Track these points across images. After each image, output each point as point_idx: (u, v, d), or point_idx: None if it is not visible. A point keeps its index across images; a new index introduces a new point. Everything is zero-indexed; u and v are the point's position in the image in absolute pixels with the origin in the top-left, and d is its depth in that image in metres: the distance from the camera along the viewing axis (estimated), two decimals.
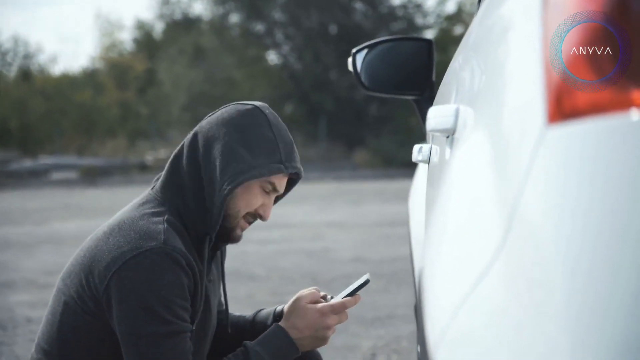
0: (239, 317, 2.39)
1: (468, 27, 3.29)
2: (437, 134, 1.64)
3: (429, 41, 3.22)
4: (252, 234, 7.68)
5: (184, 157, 2.08)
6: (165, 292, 1.96)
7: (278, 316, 2.29)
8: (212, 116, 2.11)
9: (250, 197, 2.06)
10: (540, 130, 0.90)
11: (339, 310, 2.08)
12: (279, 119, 2.11)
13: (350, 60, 3.34)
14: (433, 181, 1.80)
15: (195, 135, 2.09)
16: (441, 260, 1.13)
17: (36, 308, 5.72)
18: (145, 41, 36.95)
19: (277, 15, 31.65)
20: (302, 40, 31.24)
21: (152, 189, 2.15)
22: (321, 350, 2.33)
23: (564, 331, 0.80)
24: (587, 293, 0.80)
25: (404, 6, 31.56)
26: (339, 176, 23.48)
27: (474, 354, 0.91)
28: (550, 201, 0.86)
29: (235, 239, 2.14)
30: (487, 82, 1.25)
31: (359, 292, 2.10)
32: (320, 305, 2.10)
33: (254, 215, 2.11)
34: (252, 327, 2.33)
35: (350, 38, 28.20)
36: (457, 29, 29.80)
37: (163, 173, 2.12)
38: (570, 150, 0.86)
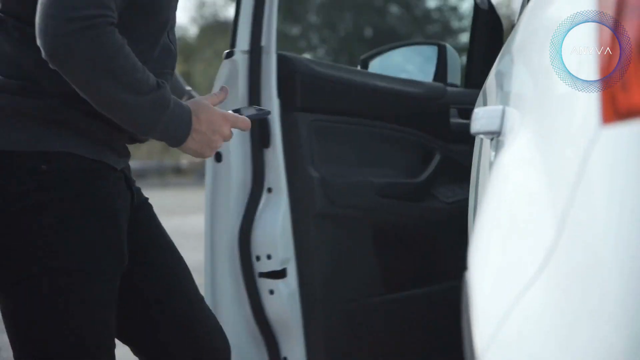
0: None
1: (504, 30, 3.28)
2: (482, 136, 1.63)
3: (441, 45, 3.19)
4: None
5: None
6: None
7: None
8: None
9: None
10: (594, 131, 0.88)
11: (237, 125, 1.85)
12: None
13: (359, 68, 3.34)
14: (477, 184, 1.79)
15: None
16: (490, 264, 1.12)
17: None
18: (181, 44, 37.18)
19: (312, 18, 31.72)
20: (337, 43, 31.27)
21: None
22: None
23: (619, 334, 0.79)
24: None
25: (439, 9, 31.50)
26: None
27: (525, 358, 0.90)
28: (605, 203, 0.85)
29: None
30: (535, 84, 1.23)
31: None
32: (226, 112, 1.85)
33: None
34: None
35: (385, 41, 28.13)
36: None
37: None
38: (626, 151, 0.85)
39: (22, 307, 1.73)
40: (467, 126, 2.92)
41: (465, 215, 2.70)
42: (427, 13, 31.47)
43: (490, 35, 3.14)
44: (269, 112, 2.05)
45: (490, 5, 3.10)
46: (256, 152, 2.56)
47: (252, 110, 1.97)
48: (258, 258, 2.58)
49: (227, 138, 1.83)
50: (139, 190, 1.95)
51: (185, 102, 1.79)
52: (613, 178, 0.85)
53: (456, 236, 2.84)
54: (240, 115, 1.86)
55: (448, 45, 3.21)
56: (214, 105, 1.84)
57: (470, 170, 2.84)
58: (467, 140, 2.88)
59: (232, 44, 2.55)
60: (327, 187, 2.63)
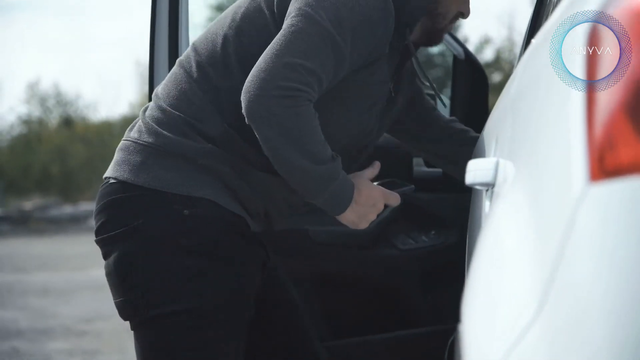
0: None
1: (506, 74, 3.28)
2: (477, 187, 1.63)
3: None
4: None
5: None
6: (360, 8, 1.81)
7: None
8: None
9: None
10: (582, 188, 0.89)
11: (390, 201, 1.97)
12: None
13: None
14: (473, 234, 1.79)
15: None
16: (482, 316, 1.12)
17: (74, 356, 5.73)
18: None
19: None
20: None
21: None
22: None
23: None
24: (634, 352, 0.79)
25: (442, 54, 31.69)
26: None
27: None
28: (592, 260, 0.85)
29: (437, 40, 2.05)
30: (527, 136, 1.24)
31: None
32: (383, 188, 1.98)
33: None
34: None
35: None
36: (495, 77, 29.79)
37: None
38: (612, 208, 0.86)
39: (161, 341, 1.85)
40: (433, 175, 2.93)
41: (421, 263, 2.70)
42: (429, 58, 31.65)
43: (471, 86, 3.10)
44: (413, 188, 2.10)
45: (468, 55, 3.06)
46: None
47: (397, 186, 2.06)
48: None
49: (379, 212, 1.96)
50: (269, 253, 2.03)
51: (350, 175, 1.92)
52: (600, 235, 0.86)
53: (407, 284, 2.82)
54: (393, 192, 1.98)
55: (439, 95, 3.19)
56: (370, 178, 1.97)
57: (435, 218, 2.84)
58: (432, 189, 2.89)
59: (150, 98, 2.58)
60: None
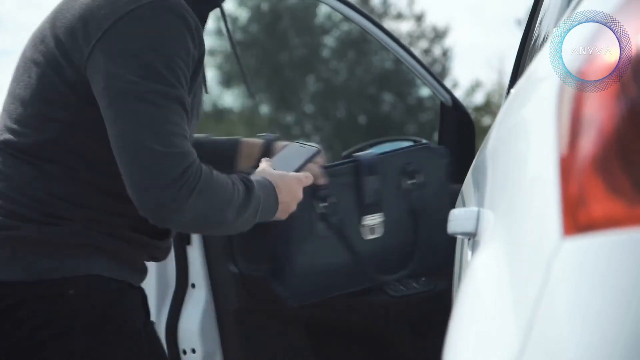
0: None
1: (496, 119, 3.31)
2: (459, 236, 1.64)
3: (419, 141, 3.19)
4: None
5: None
6: (168, 50, 1.65)
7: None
8: None
9: None
10: (556, 242, 0.89)
11: (305, 182, 1.90)
12: None
13: None
14: (458, 282, 1.80)
15: None
16: None
17: None
18: None
19: (307, 106, 32.04)
20: (331, 130, 31.53)
21: None
22: None
23: None
24: None
25: (432, 97, 31.84)
26: None
27: None
28: (566, 314, 0.86)
29: None
30: (505, 186, 1.25)
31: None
32: (296, 174, 1.90)
33: None
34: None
35: (379, 128, 28.39)
36: (486, 120, 29.91)
37: None
38: (586, 262, 0.86)
39: None
40: None
41: (411, 309, 2.70)
42: (420, 101, 31.79)
43: (458, 132, 3.13)
44: (319, 150, 2.05)
45: (455, 101, 3.09)
46: (179, 249, 2.61)
47: (303, 150, 2.02)
48: (184, 352, 2.64)
49: (299, 200, 1.89)
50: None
51: (260, 175, 1.84)
52: (574, 288, 0.86)
53: (398, 331, 2.82)
54: (306, 174, 1.91)
55: (427, 142, 3.22)
56: (270, 165, 1.90)
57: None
58: None
59: None
60: (246, 282, 2.62)
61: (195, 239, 2.62)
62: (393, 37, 2.94)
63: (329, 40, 31.70)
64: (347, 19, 2.90)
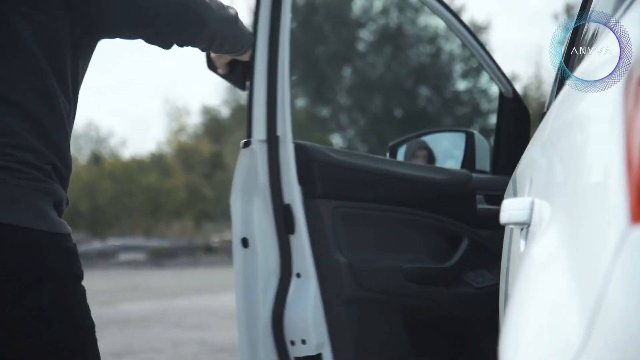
0: None
1: (533, 111, 3.34)
2: (512, 226, 1.63)
3: (469, 132, 3.26)
4: None
5: None
6: None
7: None
8: None
9: None
10: (623, 230, 0.89)
11: None
12: None
13: (388, 154, 3.38)
14: (508, 272, 1.79)
15: None
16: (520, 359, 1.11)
17: None
18: (213, 126, 37.61)
19: (343, 99, 32.00)
20: (367, 123, 31.48)
21: None
22: None
23: None
24: None
25: (469, 91, 31.67)
26: None
27: None
28: (635, 302, 0.85)
29: None
30: (565, 177, 1.24)
31: None
32: None
33: None
34: None
35: (415, 122, 28.33)
36: None
37: None
38: None
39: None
40: (494, 212, 2.97)
41: (495, 300, 2.71)
42: (457, 95, 31.64)
43: (515, 123, 3.23)
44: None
45: (515, 94, 3.18)
46: (282, 238, 2.59)
47: None
48: (293, 343, 2.58)
49: None
50: None
51: None
52: None
53: (486, 321, 2.84)
54: None
55: (476, 133, 3.26)
56: None
57: (498, 255, 2.86)
58: (493, 226, 2.91)
59: (249, 134, 2.59)
60: (355, 272, 2.65)
61: (299, 227, 2.60)
62: (467, 27, 3.04)
63: (365, 34, 31.63)
64: (423, 4, 2.98)
